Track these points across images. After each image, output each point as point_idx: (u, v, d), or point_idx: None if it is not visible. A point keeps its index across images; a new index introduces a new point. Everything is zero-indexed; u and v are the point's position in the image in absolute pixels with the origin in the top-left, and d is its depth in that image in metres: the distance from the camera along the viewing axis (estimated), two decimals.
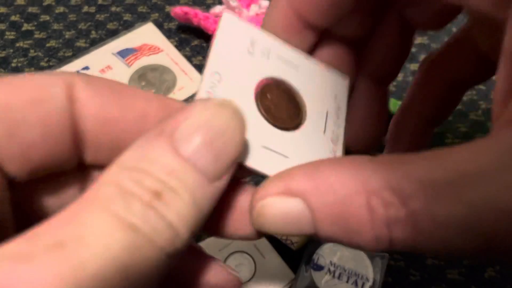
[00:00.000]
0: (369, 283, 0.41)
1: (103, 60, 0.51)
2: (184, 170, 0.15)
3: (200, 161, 0.15)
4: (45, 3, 0.58)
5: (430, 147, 0.25)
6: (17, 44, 0.54)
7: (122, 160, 0.15)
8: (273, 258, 0.42)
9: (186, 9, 0.53)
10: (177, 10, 0.53)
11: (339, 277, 0.41)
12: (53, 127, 0.17)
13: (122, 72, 0.51)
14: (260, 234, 0.19)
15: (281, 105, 0.21)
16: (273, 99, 0.21)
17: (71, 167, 0.19)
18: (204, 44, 0.54)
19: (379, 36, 0.25)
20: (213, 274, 0.20)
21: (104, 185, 0.15)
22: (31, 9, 0.57)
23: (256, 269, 0.41)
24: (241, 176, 0.19)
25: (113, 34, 0.54)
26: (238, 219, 0.19)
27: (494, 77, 0.22)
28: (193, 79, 0.52)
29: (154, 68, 0.51)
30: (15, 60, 0.53)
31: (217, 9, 0.54)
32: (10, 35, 0.55)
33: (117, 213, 0.14)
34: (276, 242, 0.42)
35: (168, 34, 0.54)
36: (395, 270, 0.42)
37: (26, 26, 0.56)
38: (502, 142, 0.14)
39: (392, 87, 0.51)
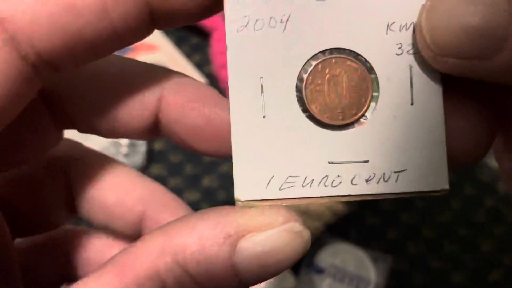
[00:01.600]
0: (371, 286, 0.41)
1: None
2: (228, 280, 0.15)
3: (246, 274, 0.15)
4: None
5: None
6: None
7: (174, 244, 0.15)
8: None
9: None
10: None
11: (340, 280, 0.41)
12: None
13: None
14: None
15: (337, 91, 0.16)
16: (326, 87, 0.16)
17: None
18: (204, 42, 0.53)
19: None
20: None
21: (147, 263, 0.15)
22: None
23: None
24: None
25: None
26: None
27: None
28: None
29: None
30: None
31: None
32: None
33: None
34: None
35: (166, 31, 0.53)
36: (398, 273, 0.42)
37: None
38: None
39: None
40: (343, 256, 0.42)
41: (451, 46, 0.14)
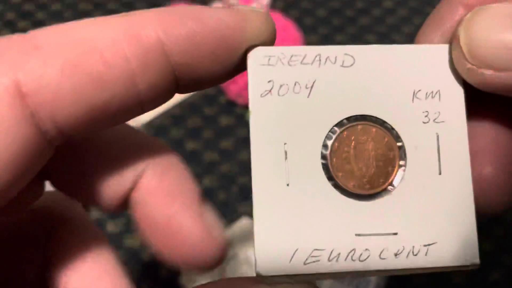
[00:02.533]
0: (371, 286, 0.40)
1: None
2: None
3: None
4: (41, 1, 0.57)
5: None
6: None
7: None
8: None
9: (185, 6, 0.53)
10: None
11: (340, 279, 0.41)
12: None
13: None
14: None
15: (363, 160, 0.15)
16: (350, 156, 0.15)
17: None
18: None
19: None
20: None
21: None
22: (26, 7, 0.56)
23: None
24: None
25: None
26: None
27: None
28: None
29: None
30: None
31: (216, 6, 0.53)
32: (5, 33, 0.54)
33: None
34: None
35: None
36: None
37: (21, 24, 0.55)
38: None
39: None
40: None
41: (489, 58, 0.14)
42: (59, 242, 0.18)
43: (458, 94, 0.15)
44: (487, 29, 0.14)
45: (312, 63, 0.15)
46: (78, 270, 0.17)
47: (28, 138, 0.12)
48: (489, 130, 0.16)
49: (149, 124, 0.50)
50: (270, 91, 0.15)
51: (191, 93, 0.51)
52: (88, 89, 0.13)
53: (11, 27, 0.55)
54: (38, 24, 0.55)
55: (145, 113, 0.50)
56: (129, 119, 0.15)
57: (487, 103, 0.15)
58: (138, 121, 0.48)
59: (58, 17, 0.56)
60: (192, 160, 0.48)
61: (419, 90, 0.15)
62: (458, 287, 0.41)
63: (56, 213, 0.18)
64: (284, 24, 0.52)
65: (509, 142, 0.16)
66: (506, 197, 0.15)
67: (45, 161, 0.14)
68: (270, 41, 0.15)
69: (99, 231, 0.19)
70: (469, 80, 0.15)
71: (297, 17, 0.58)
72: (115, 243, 0.42)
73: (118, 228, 0.43)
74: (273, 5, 0.59)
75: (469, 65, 0.14)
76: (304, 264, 0.14)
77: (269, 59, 0.15)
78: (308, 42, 0.56)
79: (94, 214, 0.44)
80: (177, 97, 0.51)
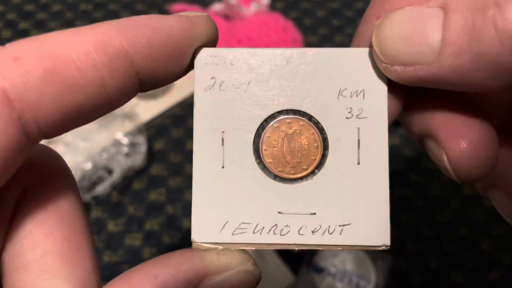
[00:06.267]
0: (371, 286, 0.41)
1: None
2: None
3: None
4: (41, 1, 0.57)
5: None
6: None
7: None
8: (274, 260, 0.41)
9: (185, 7, 0.53)
10: (176, 8, 0.53)
11: (340, 280, 0.41)
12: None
13: None
14: None
15: (287, 147, 0.17)
16: (277, 143, 0.17)
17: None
18: None
19: None
20: None
21: None
22: (27, 7, 0.57)
23: None
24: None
25: None
26: None
27: None
28: (191, 79, 0.51)
29: None
30: None
31: (216, 7, 0.53)
32: (6, 34, 0.54)
33: None
34: None
35: None
36: (398, 273, 0.42)
37: (22, 25, 0.55)
38: None
39: None
40: (343, 256, 0.42)
41: (396, 55, 0.16)
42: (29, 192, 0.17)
43: (381, 92, 0.17)
44: (390, 31, 0.16)
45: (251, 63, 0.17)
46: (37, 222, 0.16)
47: (15, 138, 0.14)
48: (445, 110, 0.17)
49: (149, 124, 0.50)
50: (212, 86, 0.17)
51: (191, 93, 0.51)
52: (66, 94, 0.14)
53: (12, 28, 0.55)
54: (39, 24, 0.55)
55: (145, 113, 0.51)
56: (100, 116, 0.16)
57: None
58: (138, 121, 0.48)
59: (59, 18, 0.56)
60: (192, 160, 0.48)
61: (345, 89, 0.17)
62: (458, 286, 0.41)
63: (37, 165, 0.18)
64: (284, 24, 0.52)
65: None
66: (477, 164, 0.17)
67: (25, 157, 0.15)
68: (214, 41, 0.17)
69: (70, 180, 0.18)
70: (388, 76, 0.16)
71: (297, 17, 0.58)
72: (116, 242, 0.42)
73: (118, 228, 0.43)
74: (273, 5, 0.59)
75: (384, 64, 0.16)
76: (232, 234, 0.17)
77: (213, 59, 0.17)
78: (307, 43, 0.56)
79: (94, 213, 0.44)
80: (177, 97, 0.51)
